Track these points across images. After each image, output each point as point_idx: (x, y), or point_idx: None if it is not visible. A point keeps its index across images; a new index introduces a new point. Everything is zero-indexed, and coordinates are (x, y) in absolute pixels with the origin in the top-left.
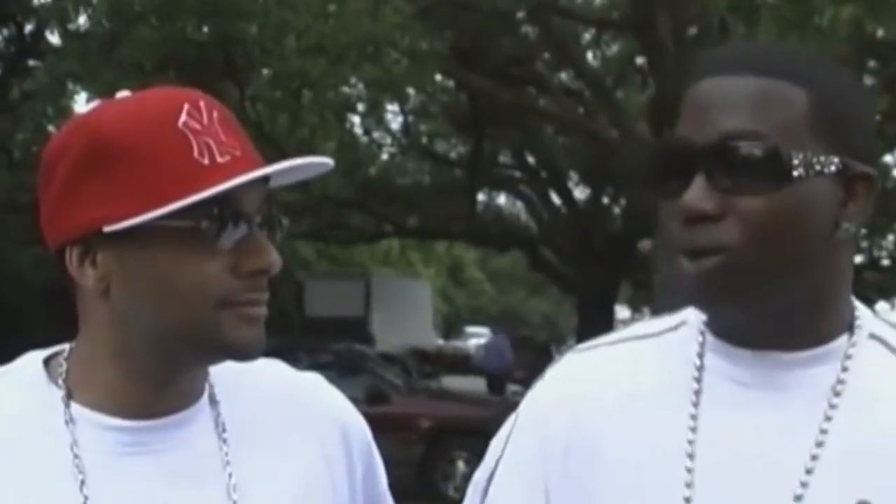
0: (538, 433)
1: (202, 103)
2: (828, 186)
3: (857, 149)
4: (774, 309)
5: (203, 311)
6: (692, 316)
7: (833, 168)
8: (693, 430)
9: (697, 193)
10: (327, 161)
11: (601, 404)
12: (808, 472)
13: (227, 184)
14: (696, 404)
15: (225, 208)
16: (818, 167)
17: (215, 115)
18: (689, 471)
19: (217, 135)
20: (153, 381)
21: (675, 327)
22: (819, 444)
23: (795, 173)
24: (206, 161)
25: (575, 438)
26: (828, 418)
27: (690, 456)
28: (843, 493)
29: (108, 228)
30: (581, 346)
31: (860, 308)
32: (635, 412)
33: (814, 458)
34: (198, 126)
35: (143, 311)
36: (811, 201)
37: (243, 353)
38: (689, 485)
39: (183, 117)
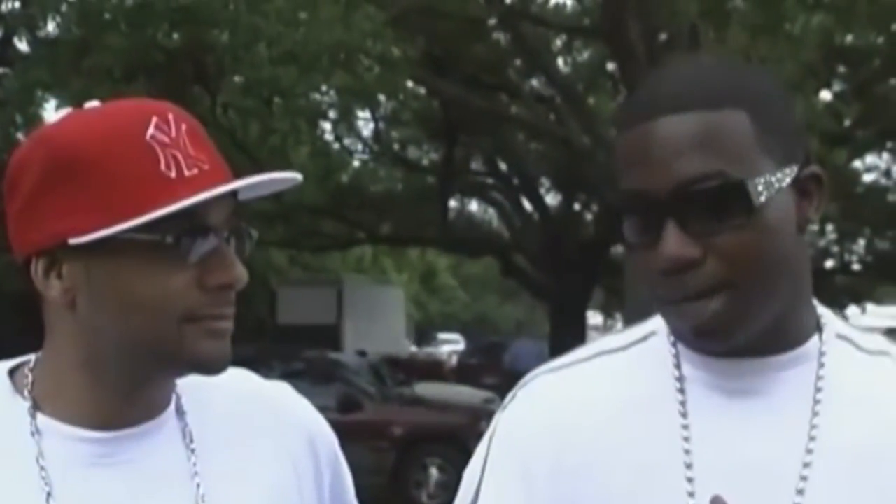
0: (520, 463)
1: (171, 116)
2: (786, 197)
3: (797, 152)
4: (769, 321)
5: (168, 326)
6: (660, 325)
7: (788, 180)
8: (687, 439)
9: (676, 242)
10: (296, 176)
11: (587, 427)
12: (804, 478)
13: (191, 199)
14: (684, 415)
15: (191, 222)
16: (777, 185)
17: (184, 127)
18: (690, 480)
19: (185, 148)
20: (119, 392)
21: (645, 338)
22: (809, 451)
23: (762, 199)
24: (173, 174)
25: (563, 465)
26: (814, 421)
27: (689, 466)
28: (840, 498)
29: (73, 241)
30: (551, 365)
31: (821, 308)
32: (625, 430)
33: (806, 465)
34: (166, 139)
35: (109, 324)
36: (779, 218)
37: (209, 368)
38: (691, 494)
39: (151, 130)
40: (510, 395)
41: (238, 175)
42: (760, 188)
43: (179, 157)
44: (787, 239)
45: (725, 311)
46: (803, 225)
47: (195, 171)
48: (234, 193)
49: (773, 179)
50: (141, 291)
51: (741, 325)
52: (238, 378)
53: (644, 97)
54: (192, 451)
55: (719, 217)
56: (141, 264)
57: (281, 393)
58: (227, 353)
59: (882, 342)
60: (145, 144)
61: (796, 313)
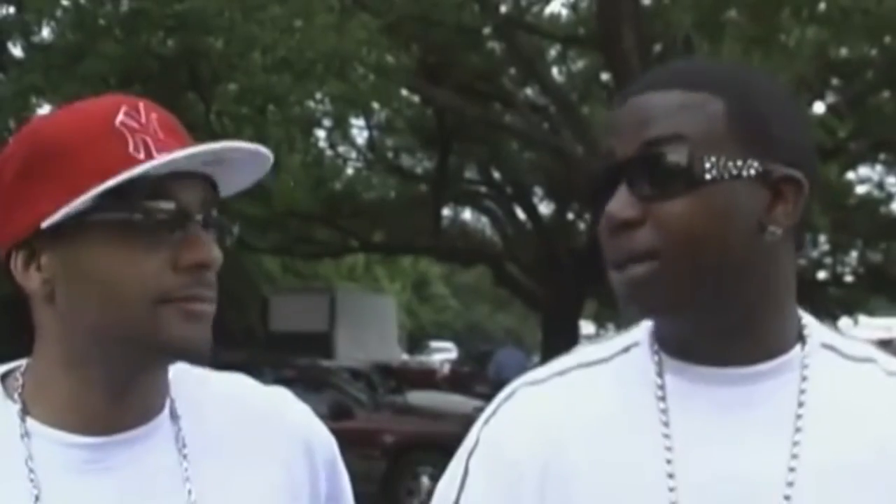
0: (505, 479)
1: (141, 105)
2: (749, 190)
3: (782, 154)
4: (715, 317)
5: (143, 308)
6: (643, 336)
7: (752, 171)
8: (669, 448)
9: (619, 202)
10: (261, 150)
11: (572, 442)
12: (787, 498)
13: (152, 162)
14: (666, 423)
15: (162, 202)
16: (734, 171)
17: (154, 116)
18: (672, 490)
19: (155, 133)
20: (106, 390)
21: (627, 349)
22: (792, 469)
23: (708, 176)
24: (141, 156)
25: (550, 481)
26: (797, 437)
27: (671, 476)
28: None
29: (44, 224)
30: (532, 377)
31: (806, 317)
32: (608, 442)
33: (790, 484)
34: (135, 125)
35: (85, 311)
36: (728, 204)
37: (186, 352)
38: None
39: (120, 116)
40: (491, 407)
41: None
42: (709, 166)
43: (149, 141)
44: (736, 230)
45: (647, 281)
46: (766, 224)
47: (164, 154)
48: (213, 185)
49: (731, 164)
50: (113, 275)
51: (664, 300)
52: (235, 382)
53: (639, 79)
54: (185, 456)
55: (665, 183)
56: (113, 247)
57: (279, 398)
58: (206, 337)
59: (868, 349)
60: (114, 129)
61: (769, 321)
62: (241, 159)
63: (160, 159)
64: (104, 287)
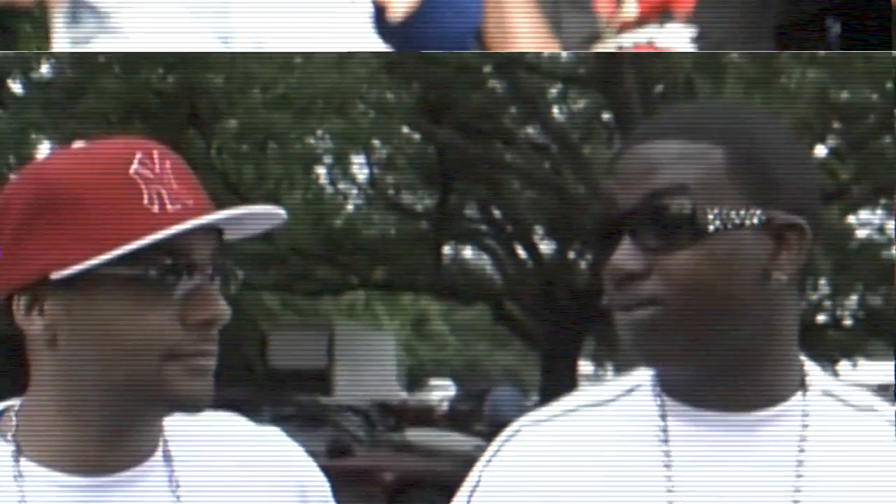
0: None
1: (156, 153)
2: (752, 239)
3: (785, 200)
4: (718, 363)
5: (150, 363)
6: (645, 378)
7: (756, 220)
8: (671, 491)
9: (623, 254)
10: (279, 211)
11: (573, 483)
12: None
13: (171, 229)
14: (668, 466)
15: (174, 258)
16: (737, 220)
17: (168, 164)
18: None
19: (169, 184)
20: (102, 435)
21: (630, 391)
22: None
23: (712, 227)
24: (155, 209)
25: None
26: (798, 481)
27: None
28: None
29: (54, 276)
30: (534, 417)
31: (809, 364)
32: (610, 483)
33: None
34: (149, 174)
35: (89, 360)
36: (732, 254)
37: (191, 407)
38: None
39: (134, 165)
40: (493, 448)
41: None
42: (712, 217)
43: (163, 192)
44: (741, 279)
45: (651, 326)
46: (770, 272)
47: (179, 206)
48: (220, 232)
49: (734, 214)
50: (122, 327)
51: (668, 347)
52: (229, 423)
53: (641, 126)
54: (178, 498)
55: (669, 235)
56: (122, 300)
57: (273, 440)
58: (209, 392)
59: (869, 397)
60: (128, 179)
61: (773, 366)
62: (255, 215)
63: (182, 226)
64: (110, 339)
